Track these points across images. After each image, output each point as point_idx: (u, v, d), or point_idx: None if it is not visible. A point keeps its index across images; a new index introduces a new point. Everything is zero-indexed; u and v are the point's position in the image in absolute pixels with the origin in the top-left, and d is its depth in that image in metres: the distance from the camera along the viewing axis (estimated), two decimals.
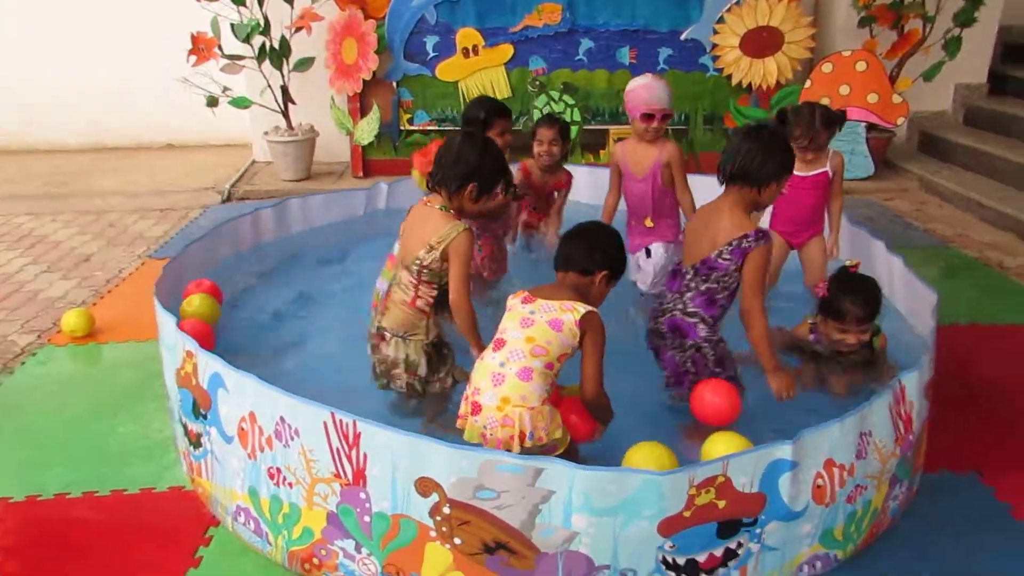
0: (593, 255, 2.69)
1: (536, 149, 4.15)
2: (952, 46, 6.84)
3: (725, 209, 2.94)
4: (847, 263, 3.27)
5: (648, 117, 3.84)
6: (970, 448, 3.18)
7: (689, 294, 3.01)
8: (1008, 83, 7.83)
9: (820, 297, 3.17)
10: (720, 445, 2.52)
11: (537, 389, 2.50)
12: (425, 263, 2.83)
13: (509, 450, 2.44)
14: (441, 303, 2.91)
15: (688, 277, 3.02)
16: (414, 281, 2.87)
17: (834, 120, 3.88)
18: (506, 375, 2.50)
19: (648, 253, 4.07)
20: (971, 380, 3.67)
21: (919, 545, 2.68)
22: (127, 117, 8.25)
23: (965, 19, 6.75)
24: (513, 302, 2.68)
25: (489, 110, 3.90)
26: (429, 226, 2.85)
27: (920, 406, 2.67)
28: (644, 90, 3.85)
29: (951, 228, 5.94)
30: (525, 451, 2.45)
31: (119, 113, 8.22)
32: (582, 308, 2.56)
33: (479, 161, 2.84)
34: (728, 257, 2.89)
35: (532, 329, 2.54)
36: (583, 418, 2.69)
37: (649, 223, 4.03)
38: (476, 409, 2.53)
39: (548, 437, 2.52)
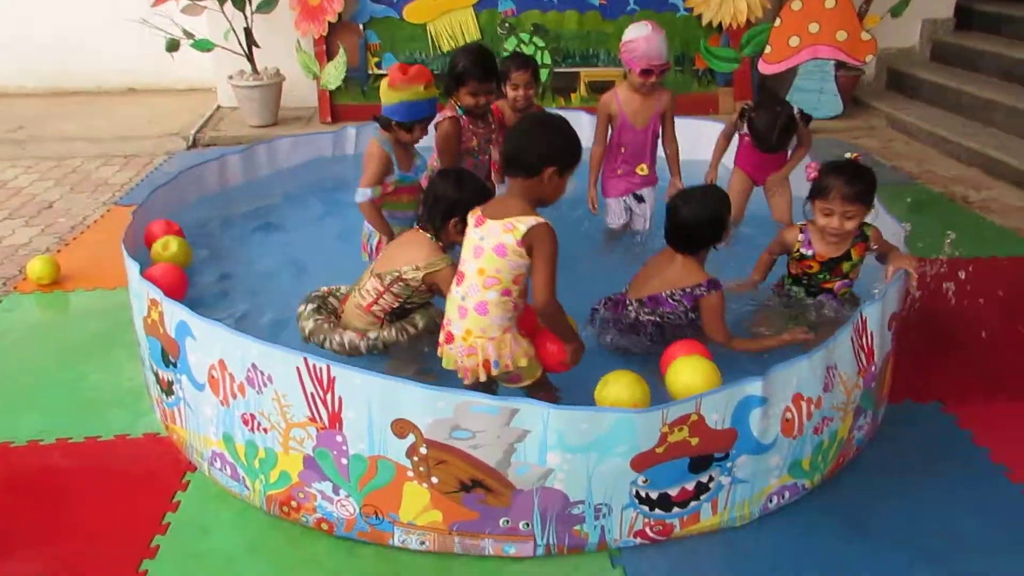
0: (536, 151, 2.53)
1: (511, 93, 4.05)
2: None
3: (679, 259, 3.03)
4: (848, 155, 3.23)
5: (647, 72, 3.82)
6: (934, 379, 3.26)
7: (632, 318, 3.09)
8: (974, 17, 7.85)
9: (811, 180, 3.17)
10: (684, 373, 2.53)
11: (496, 320, 2.55)
12: (405, 276, 2.87)
13: (478, 377, 2.58)
14: (398, 316, 2.96)
15: (631, 307, 3.08)
16: (380, 289, 2.91)
17: (792, 129, 3.87)
18: (467, 308, 2.57)
19: (640, 198, 4.16)
20: (935, 312, 3.75)
21: (883, 473, 2.75)
22: (87, 60, 8.04)
23: None
24: (469, 226, 2.65)
25: (464, 69, 3.68)
26: (421, 251, 2.90)
27: (883, 339, 2.72)
28: (644, 43, 3.78)
29: (917, 164, 5.99)
30: (492, 378, 2.60)
31: (78, 56, 8.01)
32: (523, 225, 2.48)
33: (457, 196, 2.88)
34: (678, 299, 2.99)
35: (482, 259, 2.54)
36: (560, 346, 2.68)
37: (644, 170, 4.10)
38: (449, 338, 2.64)
39: (513, 364, 2.59)
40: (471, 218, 2.66)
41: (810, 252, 3.18)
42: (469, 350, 2.58)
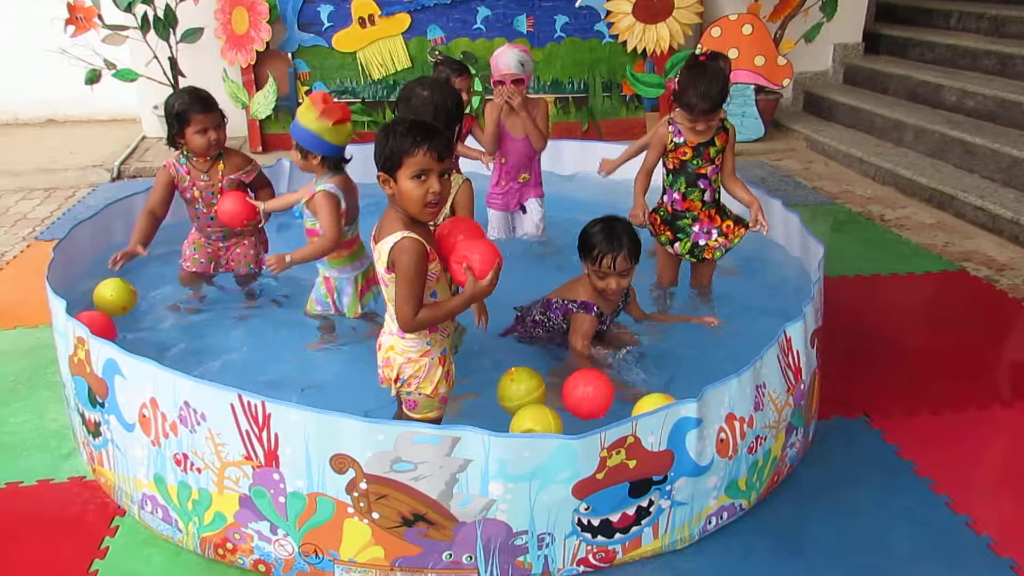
0: (374, 158, 2.44)
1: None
2: (829, 7, 7.13)
3: (578, 281, 3.26)
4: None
5: (498, 83, 4.12)
6: (859, 394, 3.36)
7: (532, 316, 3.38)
8: (881, 42, 8.22)
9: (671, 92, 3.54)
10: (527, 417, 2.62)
11: (413, 344, 2.56)
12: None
13: (389, 386, 2.65)
14: None
15: (537, 306, 3.36)
16: None
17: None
18: (391, 329, 2.58)
19: (524, 209, 4.45)
20: (859, 329, 3.88)
21: (816, 490, 2.82)
22: (4, 91, 7.79)
23: None
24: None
25: (183, 106, 3.49)
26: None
27: (808, 356, 2.80)
28: (494, 58, 4.15)
29: (836, 185, 6.21)
30: (397, 391, 2.64)
31: None
32: (385, 249, 2.40)
33: None
34: (558, 307, 3.26)
35: (386, 290, 2.52)
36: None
37: (525, 177, 4.36)
38: (378, 345, 2.67)
39: (417, 388, 2.59)
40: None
41: (681, 139, 3.58)
42: (386, 362, 2.61)
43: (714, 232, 3.69)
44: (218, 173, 3.62)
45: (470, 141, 4.54)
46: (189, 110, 3.47)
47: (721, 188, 3.71)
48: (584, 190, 5.04)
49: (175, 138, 3.55)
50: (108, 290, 3.42)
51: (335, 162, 3.24)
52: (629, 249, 3.08)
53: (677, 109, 3.55)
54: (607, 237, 3.08)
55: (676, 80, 3.48)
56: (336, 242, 3.23)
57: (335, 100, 3.18)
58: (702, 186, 3.64)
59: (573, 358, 3.18)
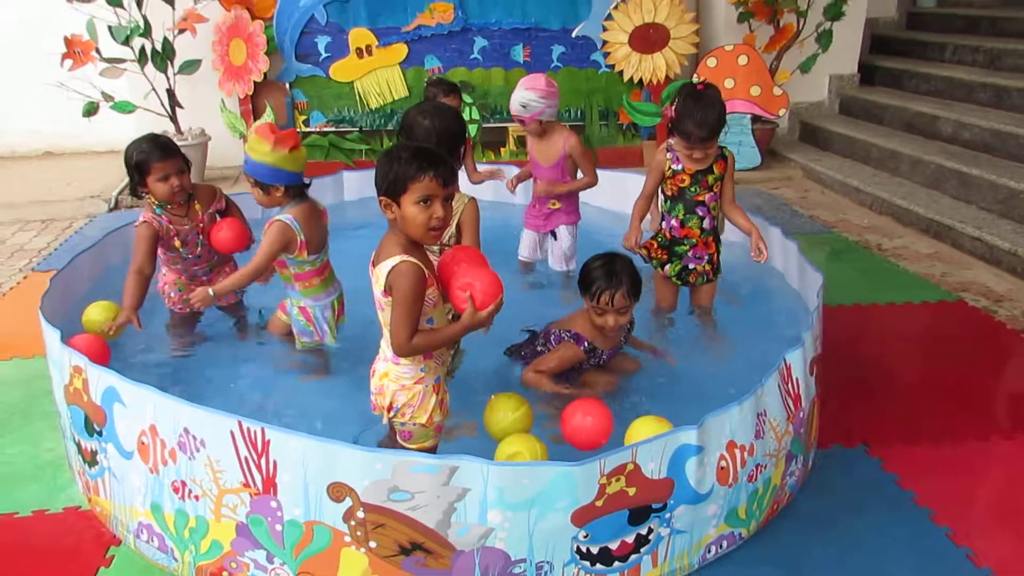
0: (375, 183, 2.45)
1: None
2: (824, 39, 7.20)
3: (579, 314, 3.28)
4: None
5: (520, 120, 4.16)
6: (858, 423, 3.34)
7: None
8: (877, 73, 8.30)
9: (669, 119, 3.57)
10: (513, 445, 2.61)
11: (407, 371, 2.55)
12: None
13: (382, 414, 2.63)
14: None
15: (540, 338, 3.38)
16: None
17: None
18: (385, 355, 2.57)
19: (555, 235, 4.39)
20: (857, 358, 3.87)
21: (815, 519, 2.80)
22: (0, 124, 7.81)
23: (834, 13, 7.14)
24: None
25: (141, 155, 3.42)
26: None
27: (807, 384, 2.79)
28: (512, 97, 4.14)
29: (833, 214, 6.23)
30: (390, 420, 2.62)
31: None
32: (383, 272, 2.40)
33: None
34: (555, 337, 3.30)
35: (382, 314, 2.52)
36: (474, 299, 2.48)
37: (555, 204, 4.34)
38: (372, 372, 2.66)
39: (411, 418, 2.58)
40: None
41: (679, 167, 3.61)
42: (379, 389, 2.59)
43: (705, 258, 3.71)
44: (197, 214, 3.58)
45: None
46: (148, 159, 3.39)
47: (721, 215, 3.74)
48: (595, 221, 4.98)
49: (138, 189, 3.47)
50: (95, 312, 3.43)
51: (297, 190, 3.23)
52: (628, 287, 3.08)
53: (674, 138, 3.57)
54: (607, 274, 3.08)
55: (673, 108, 3.50)
56: (258, 273, 3.22)
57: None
58: (700, 213, 3.66)
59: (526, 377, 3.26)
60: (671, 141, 3.63)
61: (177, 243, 3.56)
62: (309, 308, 3.39)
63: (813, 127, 7.92)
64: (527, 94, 4.06)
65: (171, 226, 3.53)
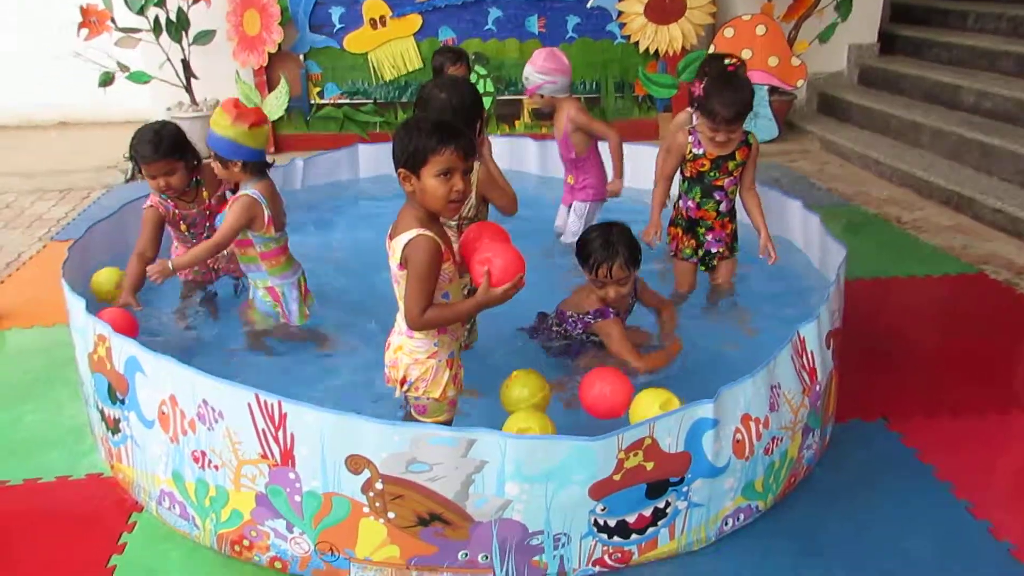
0: (393, 155, 2.44)
1: None
2: (844, 7, 7.09)
3: (584, 289, 3.21)
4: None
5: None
6: (878, 397, 3.33)
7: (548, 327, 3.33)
8: (897, 42, 8.17)
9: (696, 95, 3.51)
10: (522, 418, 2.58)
11: (421, 345, 2.54)
12: None
13: (394, 387, 2.63)
14: None
15: (552, 317, 3.32)
16: None
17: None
18: (400, 329, 2.57)
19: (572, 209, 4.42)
20: (876, 332, 3.85)
21: (833, 491, 2.80)
22: (15, 94, 7.82)
23: None
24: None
25: (133, 151, 3.46)
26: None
27: (823, 357, 2.77)
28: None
29: (851, 186, 6.17)
30: (404, 393, 2.61)
31: (6, 90, 7.79)
32: (399, 245, 2.40)
33: None
34: (573, 320, 3.21)
35: (398, 288, 2.51)
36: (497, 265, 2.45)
37: (570, 180, 4.35)
38: (387, 346, 2.65)
39: (424, 392, 2.58)
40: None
41: (701, 151, 3.55)
42: (393, 362, 2.60)
43: (723, 239, 3.71)
44: (204, 201, 3.58)
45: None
46: (137, 156, 3.41)
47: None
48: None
49: (137, 176, 3.48)
50: (103, 277, 3.51)
51: (257, 167, 3.21)
52: (626, 257, 3.04)
53: (698, 117, 3.50)
54: (603, 245, 3.04)
55: (700, 86, 3.44)
56: (221, 247, 3.20)
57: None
58: (717, 197, 3.63)
59: (631, 367, 3.05)
60: (694, 122, 3.56)
61: (183, 227, 3.58)
62: (277, 287, 3.36)
63: (832, 98, 7.81)
64: (527, 68, 4.08)
65: (177, 211, 3.54)
